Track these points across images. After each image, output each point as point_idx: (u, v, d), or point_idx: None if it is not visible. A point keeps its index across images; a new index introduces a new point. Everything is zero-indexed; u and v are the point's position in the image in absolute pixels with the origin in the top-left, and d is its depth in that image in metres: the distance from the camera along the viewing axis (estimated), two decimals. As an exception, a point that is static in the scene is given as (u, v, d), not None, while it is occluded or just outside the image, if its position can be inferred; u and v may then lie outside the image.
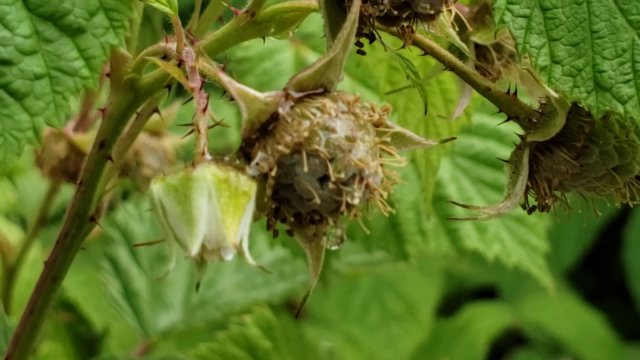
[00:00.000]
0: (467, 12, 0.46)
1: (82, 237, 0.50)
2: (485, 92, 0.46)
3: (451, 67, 0.46)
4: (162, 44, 0.47)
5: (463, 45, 0.45)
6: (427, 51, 0.45)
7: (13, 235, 0.79)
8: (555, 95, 0.43)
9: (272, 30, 0.47)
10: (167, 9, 0.45)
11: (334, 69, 0.41)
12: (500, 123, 0.47)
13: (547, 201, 0.45)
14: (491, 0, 0.44)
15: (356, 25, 0.40)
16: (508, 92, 0.46)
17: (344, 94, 0.42)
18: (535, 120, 0.45)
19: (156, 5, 0.45)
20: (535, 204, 0.46)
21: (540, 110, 0.45)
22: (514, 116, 0.46)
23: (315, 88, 0.41)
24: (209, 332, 0.79)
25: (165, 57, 0.46)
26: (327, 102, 0.40)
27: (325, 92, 0.42)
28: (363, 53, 0.44)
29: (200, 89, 0.43)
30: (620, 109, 0.41)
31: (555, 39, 0.41)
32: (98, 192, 0.49)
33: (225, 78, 0.42)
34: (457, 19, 0.46)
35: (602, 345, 1.44)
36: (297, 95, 0.41)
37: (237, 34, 0.47)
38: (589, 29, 0.42)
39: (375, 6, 0.42)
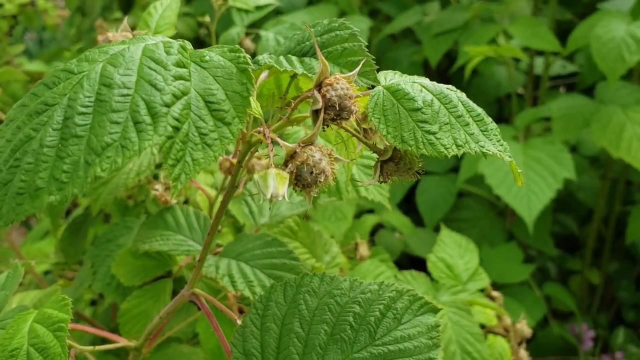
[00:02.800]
0: (360, 117, 0.44)
1: (233, 194, 0.48)
2: (365, 142, 0.45)
3: (354, 135, 0.45)
4: (259, 128, 0.45)
5: (358, 129, 0.43)
6: (346, 130, 0.43)
7: (212, 193, 0.78)
8: (388, 144, 0.43)
9: (295, 124, 0.46)
10: (259, 117, 0.44)
11: (314, 137, 0.41)
12: (372, 153, 0.45)
13: (386, 180, 0.44)
14: (367, 112, 0.42)
15: (321, 123, 0.40)
16: (374, 144, 0.45)
17: (318, 144, 0.41)
18: (382, 152, 0.44)
19: (256, 115, 0.43)
20: (381, 180, 0.44)
21: (384, 148, 0.44)
22: (375, 151, 0.45)
23: (309, 143, 0.41)
24: (277, 225, 0.77)
25: (260, 132, 0.44)
26: (312, 147, 0.40)
27: (311, 144, 0.41)
28: (324, 130, 0.43)
29: (271, 143, 0.42)
30: (409, 148, 0.40)
31: (388, 125, 0.40)
32: (238, 178, 0.47)
33: (279, 140, 0.41)
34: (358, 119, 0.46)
35: (408, 228, 1.41)
36: (302, 145, 0.40)
37: (283, 125, 0.45)
38: (399, 122, 0.40)
39: (327, 116, 0.41)
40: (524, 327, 0.91)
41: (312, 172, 0.39)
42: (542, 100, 1.59)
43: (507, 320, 0.93)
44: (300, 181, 0.39)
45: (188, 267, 0.75)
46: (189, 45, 0.41)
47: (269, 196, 0.38)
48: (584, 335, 1.44)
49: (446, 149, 0.40)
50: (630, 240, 1.44)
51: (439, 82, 0.46)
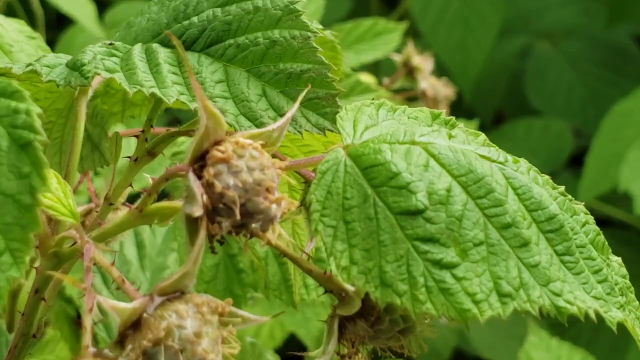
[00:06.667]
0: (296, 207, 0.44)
1: (28, 348, 0.50)
2: (309, 272, 0.46)
3: (288, 257, 0.46)
4: (72, 231, 0.46)
5: (295, 244, 0.45)
6: (273, 247, 0.44)
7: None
8: (352, 289, 0.43)
9: (156, 220, 0.46)
10: (73, 221, 0.44)
11: (188, 278, 0.41)
12: (320, 295, 0.46)
13: (354, 353, 0.45)
14: (308, 214, 0.43)
15: (202, 249, 0.40)
16: (325, 273, 0.45)
17: (194, 297, 0.41)
18: (344, 295, 0.45)
19: (61, 218, 0.43)
20: (343, 354, 0.45)
21: (344, 293, 0.45)
22: (329, 290, 0.45)
23: (174, 292, 0.41)
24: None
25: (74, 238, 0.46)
26: (181, 306, 0.40)
27: (181, 295, 0.41)
28: (214, 252, 0.43)
29: (90, 267, 0.43)
30: (398, 301, 0.41)
31: (354, 245, 0.40)
32: (37, 319, 0.49)
33: (107, 303, 0.40)
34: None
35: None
36: (159, 299, 0.40)
37: (129, 222, 0.47)
38: (377, 239, 0.41)
39: (218, 228, 0.41)
40: None
41: (177, 362, 0.39)
42: None
43: None
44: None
45: None
46: None
47: None
48: None
49: (476, 304, 0.41)
50: None
51: None
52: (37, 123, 0.40)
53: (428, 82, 1.33)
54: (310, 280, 0.70)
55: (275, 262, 0.70)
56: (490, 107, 2.25)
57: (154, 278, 0.83)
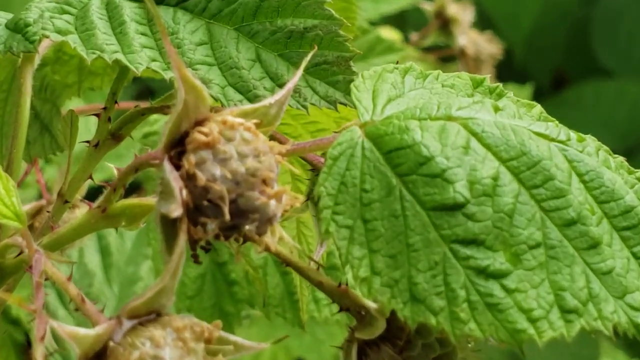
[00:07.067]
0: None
1: None
2: (319, 285, 0.46)
3: (287, 263, 0.46)
4: (17, 237, 0.46)
5: (301, 250, 0.45)
6: (275, 254, 0.45)
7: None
8: (374, 306, 0.44)
9: (124, 222, 0.47)
10: (15, 223, 0.44)
11: (165, 295, 0.41)
12: (334, 314, 0.47)
13: None
14: (317, 210, 0.43)
15: (183, 258, 0.40)
16: (339, 285, 0.46)
17: (174, 319, 0.41)
18: (364, 313, 0.45)
19: (2, 221, 0.44)
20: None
21: (364, 311, 0.45)
22: (345, 308, 0.45)
23: (147, 314, 0.41)
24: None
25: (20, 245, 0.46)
26: (157, 331, 0.40)
27: (158, 315, 0.41)
28: (198, 262, 0.43)
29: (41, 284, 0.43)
30: (433, 320, 0.41)
31: (375, 250, 0.41)
32: None
33: (64, 329, 0.40)
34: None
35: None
36: (129, 323, 0.41)
37: (90, 225, 0.47)
38: (405, 242, 0.41)
39: (202, 232, 0.41)
40: None
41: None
42: None
43: None
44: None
45: None
46: None
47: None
48: None
49: (533, 322, 0.41)
50: None
51: None
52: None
53: (468, 38, 1.34)
54: (322, 294, 0.70)
55: (277, 271, 0.70)
56: (548, 67, 2.25)
57: (124, 293, 0.84)
